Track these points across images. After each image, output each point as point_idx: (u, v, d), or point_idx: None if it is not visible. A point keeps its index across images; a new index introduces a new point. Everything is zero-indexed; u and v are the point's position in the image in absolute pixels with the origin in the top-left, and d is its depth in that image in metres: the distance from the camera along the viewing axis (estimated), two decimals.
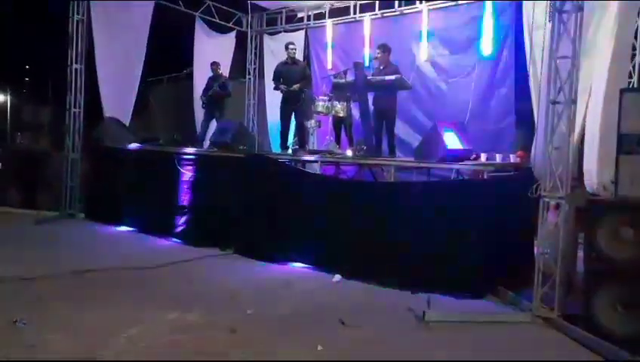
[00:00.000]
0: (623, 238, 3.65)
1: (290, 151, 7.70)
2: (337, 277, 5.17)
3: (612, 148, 3.93)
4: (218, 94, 9.13)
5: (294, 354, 3.39)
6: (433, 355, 3.47)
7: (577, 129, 4.31)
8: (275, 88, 8.02)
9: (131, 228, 7.28)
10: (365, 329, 3.86)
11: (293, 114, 7.94)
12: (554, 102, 4.12)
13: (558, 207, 4.13)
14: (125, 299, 4.34)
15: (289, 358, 3.32)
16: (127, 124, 8.92)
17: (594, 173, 4.29)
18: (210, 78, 9.36)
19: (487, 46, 7.70)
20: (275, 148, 9.45)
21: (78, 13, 8.38)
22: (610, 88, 4.21)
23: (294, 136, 8.27)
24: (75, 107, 8.46)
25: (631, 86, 6.29)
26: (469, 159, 5.69)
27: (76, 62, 8.43)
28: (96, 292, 4.51)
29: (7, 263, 5.19)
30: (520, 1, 5.77)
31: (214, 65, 9.27)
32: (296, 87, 7.39)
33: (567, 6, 4.06)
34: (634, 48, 6.52)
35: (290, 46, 7.83)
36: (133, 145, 8.04)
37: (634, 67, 6.68)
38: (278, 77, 7.78)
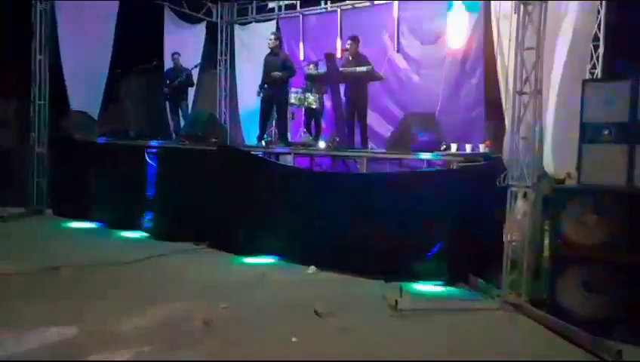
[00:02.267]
0: (587, 224, 3.77)
1: (263, 143, 7.66)
2: (312, 268, 5.20)
3: (570, 137, 4.06)
4: (183, 84, 9.00)
5: (269, 345, 3.40)
6: (406, 342, 3.53)
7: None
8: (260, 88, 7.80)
9: (102, 224, 7.14)
10: (339, 318, 3.90)
11: (274, 106, 7.80)
12: (520, 93, 4.21)
13: (525, 195, 4.24)
14: (97, 295, 4.28)
15: (264, 349, 3.33)
16: (96, 117, 8.72)
17: (550, 161, 4.42)
18: (169, 70, 9.23)
19: (454, 39, 7.78)
20: (251, 139, 9.39)
21: (41, 3, 8.11)
22: (567, 78, 4.33)
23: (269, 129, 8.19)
24: (39, 99, 8.21)
25: (595, 76, 6.48)
26: (439, 150, 5.78)
27: (40, 54, 8.17)
28: (66, 288, 4.43)
29: None
30: None
31: (175, 56, 9.14)
32: (276, 74, 7.28)
33: None
34: (597, 39, 6.72)
35: (270, 36, 7.75)
36: (102, 139, 7.86)
37: (598, 58, 6.89)
38: (265, 69, 7.63)
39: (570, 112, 4.12)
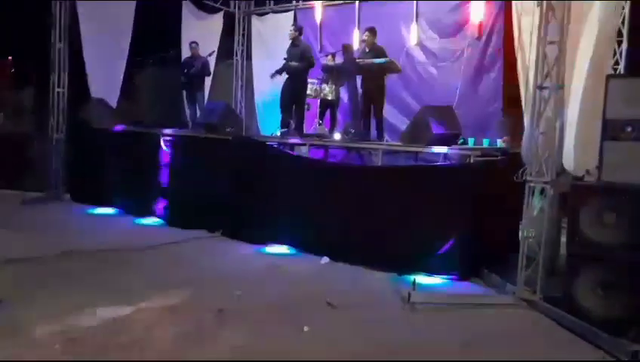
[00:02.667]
0: (606, 223, 3.71)
1: (278, 133, 7.65)
2: (325, 259, 5.21)
3: (592, 133, 3.98)
4: (200, 74, 9.02)
5: (281, 334, 3.42)
6: (418, 335, 3.53)
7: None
8: (274, 76, 7.76)
9: (118, 210, 7.23)
10: (352, 310, 3.90)
11: (292, 95, 7.75)
12: (541, 88, 4.15)
13: (543, 191, 4.19)
14: (112, 280, 4.33)
15: (276, 338, 3.35)
16: (115, 106, 8.80)
17: (571, 157, 4.34)
18: (187, 59, 9.25)
19: (473, 33, 7.69)
20: (266, 129, 9.39)
21: None
22: (593, 74, 4.25)
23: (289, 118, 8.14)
24: (59, 87, 8.30)
25: (618, 72, 6.35)
26: (456, 143, 5.72)
27: (59, 42, 8.25)
28: (82, 273, 4.49)
29: None
30: None
31: (193, 45, 9.16)
32: (293, 64, 7.25)
33: None
34: (620, 35, 6.58)
35: (290, 28, 7.72)
36: (119, 127, 7.93)
37: (621, 54, 6.75)
38: (285, 63, 7.63)
39: (594, 108, 4.04)
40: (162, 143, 6.93)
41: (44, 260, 4.77)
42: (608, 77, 3.94)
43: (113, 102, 8.84)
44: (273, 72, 7.62)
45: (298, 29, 7.80)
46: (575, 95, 4.37)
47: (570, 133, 4.36)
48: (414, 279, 4.33)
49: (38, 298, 3.82)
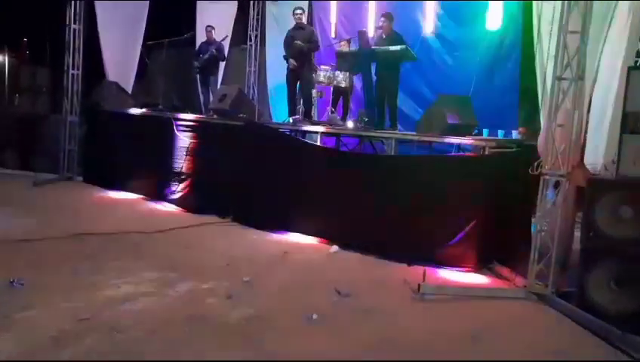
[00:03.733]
0: (622, 217, 3.65)
1: (290, 120, 7.61)
2: (335, 247, 5.20)
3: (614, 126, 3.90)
4: (215, 58, 8.98)
5: (289, 321, 3.42)
6: (427, 327, 3.51)
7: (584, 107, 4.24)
8: (285, 58, 7.67)
9: (129, 193, 7.27)
10: (361, 299, 3.89)
11: (299, 81, 7.70)
12: (560, 79, 4.06)
13: (558, 184, 4.12)
14: (123, 263, 4.36)
15: (284, 325, 3.35)
16: (129, 89, 8.83)
17: (600, 151, 4.23)
18: (202, 43, 9.21)
19: (493, 19, 7.54)
20: (279, 115, 9.36)
21: None
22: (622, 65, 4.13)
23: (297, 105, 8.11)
24: (73, 69, 8.33)
25: (638, 64, 6.19)
26: (471, 134, 5.64)
27: (74, 23, 8.26)
28: (94, 255, 4.53)
29: (6, 224, 5.20)
30: None
31: (208, 29, 9.11)
32: (298, 43, 7.16)
33: None
34: None
35: (297, 11, 7.62)
36: (133, 110, 7.95)
37: None
38: (287, 43, 7.53)
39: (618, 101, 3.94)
40: (175, 128, 6.93)
41: (57, 241, 4.81)
42: (629, 69, 3.84)
43: (128, 85, 8.86)
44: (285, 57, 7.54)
45: (304, 12, 7.69)
46: (603, 87, 4.24)
47: (599, 126, 4.25)
48: (425, 270, 4.29)
49: (51, 277, 3.85)
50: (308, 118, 7.37)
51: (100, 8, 8.38)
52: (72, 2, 8.19)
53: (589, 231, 3.78)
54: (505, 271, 4.61)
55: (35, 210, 6.03)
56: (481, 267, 4.71)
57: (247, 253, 4.99)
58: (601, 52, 4.26)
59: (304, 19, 7.76)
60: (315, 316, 3.46)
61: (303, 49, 7.20)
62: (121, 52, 8.73)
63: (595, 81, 4.34)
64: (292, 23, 8.10)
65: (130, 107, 8.01)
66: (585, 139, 4.42)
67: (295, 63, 7.32)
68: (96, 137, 8.07)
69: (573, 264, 4.24)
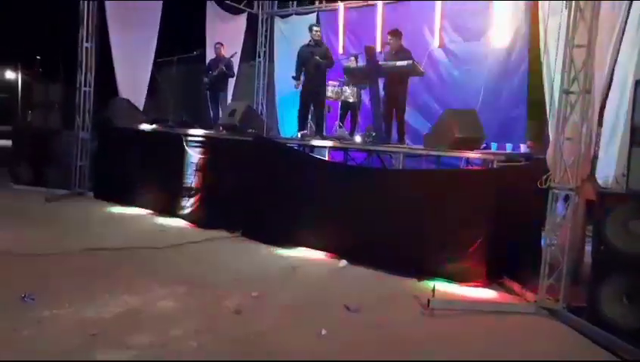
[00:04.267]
0: (632, 231, 3.62)
1: (299, 135, 7.66)
2: (343, 262, 5.19)
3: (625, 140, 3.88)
4: (224, 74, 9.09)
5: (298, 336, 3.41)
6: (437, 342, 3.48)
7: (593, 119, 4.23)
8: (295, 78, 7.62)
9: (139, 208, 7.33)
10: (370, 314, 3.87)
11: (312, 97, 7.71)
12: (567, 92, 4.06)
13: (567, 198, 4.10)
14: (133, 278, 4.38)
15: (293, 341, 3.34)
16: (140, 105, 8.96)
17: (612, 164, 4.21)
18: (212, 60, 9.34)
19: (498, 36, 7.59)
20: (287, 131, 9.42)
21: None
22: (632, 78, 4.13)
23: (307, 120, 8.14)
24: (85, 86, 8.47)
25: None
26: (479, 148, 5.64)
27: (87, 41, 8.42)
28: (104, 270, 4.56)
29: (18, 240, 5.26)
30: None
31: (217, 45, 9.23)
32: (317, 58, 7.21)
33: None
34: None
35: (314, 28, 7.70)
36: (143, 126, 8.05)
37: None
38: (304, 58, 7.58)
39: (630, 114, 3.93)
40: (185, 143, 7.00)
41: (68, 256, 4.86)
42: (637, 82, 3.84)
43: (139, 101, 8.99)
44: (294, 77, 7.60)
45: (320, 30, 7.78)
46: (616, 100, 4.24)
47: (611, 139, 4.24)
48: (434, 284, 4.27)
49: (62, 292, 3.88)
50: (319, 133, 7.40)
51: (112, 27, 8.54)
52: (85, 21, 8.36)
53: (600, 245, 3.76)
54: (515, 285, 4.57)
55: (46, 226, 6.09)
56: (490, 282, 4.67)
57: (256, 267, 5.00)
58: (613, 63, 4.26)
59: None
60: (324, 331, 3.45)
61: (321, 65, 7.27)
62: (133, 69, 8.88)
63: (604, 93, 4.34)
64: (300, 39, 8.20)
65: (140, 123, 8.11)
66: (596, 152, 4.41)
67: (300, 84, 7.39)
68: (107, 153, 8.16)
69: (584, 278, 4.21)
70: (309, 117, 7.77)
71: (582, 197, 4.13)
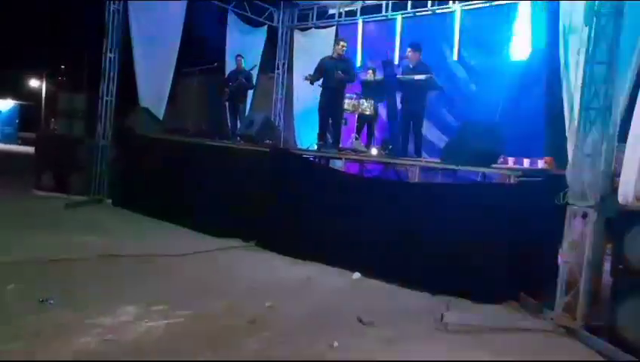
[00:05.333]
0: None
1: (315, 147, 7.70)
2: (357, 275, 5.18)
3: None
4: (244, 86, 9.21)
5: (310, 347, 3.41)
6: (450, 357, 3.44)
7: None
8: (307, 79, 7.59)
9: (157, 216, 7.40)
10: (383, 328, 3.85)
11: (331, 107, 7.73)
12: (587, 108, 4.03)
13: (585, 215, 4.04)
14: (148, 285, 4.43)
15: (305, 352, 3.34)
16: (161, 115, 9.11)
17: (632, 181, 4.14)
18: (232, 72, 9.47)
19: (517, 50, 7.57)
20: (303, 142, 9.47)
21: (114, 3, 8.56)
22: None
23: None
24: (107, 95, 8.65)
25: None
26: (496, 162, 5.60)
27: (111, 52, 8.61)
28: (120, 277, 4.62)
29: (37, 245, 5.36)
30: (556, 0, 5.64)
31: (238, 58, 9.36)
32: (339, 73, 7.25)
33: (606, 8, 3.95)
34: None
35: (342, 43, 7.74)
36: (163, 135, 8.17)
37: None
38: (320, 70, 7.54)
39: None
40: (203, 153, 7.08)
41: (84, 262, 4.93)
42: None
43: (160, 111, 9.14)
44: (309, 77, 7.56)
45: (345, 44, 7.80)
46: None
47: (633, 156, 4.16)
48: (449, 300, 4.23)
49: (77, 298, 3.94)
50: (336, 146, 7.42)
51: (136, 38, 8.73)
52: (109, 32, 8.56)
53: (619, 263, 3.69)
54: (531, 303, 4.50)
55: (64, 231, 6.19)
56: (507, 298, 4.60)
57: (270, 277, 5.01)
58: (635, 78, 4.20)
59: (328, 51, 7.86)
60: (336, 344, 3.44)
61: (343, 80, 7.29)
62: (155, 80, 9.05)
63: (624, 109, 4.28)
64: (319, 52, 8.27)
65: (160, 133, 8.24)
66: (617, 169, 4.33)
67: (311, 79, 7.40)
68: (125, 161, 8.30)
69: (603, 297, 4.13)
70: (327, 129, 7.79)
71: (601, 214, 4.06)
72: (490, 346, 3.69)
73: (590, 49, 4.02)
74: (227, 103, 9.50)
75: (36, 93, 29.37)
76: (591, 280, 4.05)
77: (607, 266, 4.13)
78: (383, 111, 8.27)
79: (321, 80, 7.41)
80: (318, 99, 7.55)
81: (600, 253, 4.29)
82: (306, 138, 9.39)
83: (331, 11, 10.25)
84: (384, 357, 3.38)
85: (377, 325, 3.88)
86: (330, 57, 7.57)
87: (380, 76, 7.88)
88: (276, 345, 3.40)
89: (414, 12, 8.96)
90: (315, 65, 7.60)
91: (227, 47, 10.43)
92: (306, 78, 7.52)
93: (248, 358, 3.19)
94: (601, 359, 3.56)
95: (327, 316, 4.05)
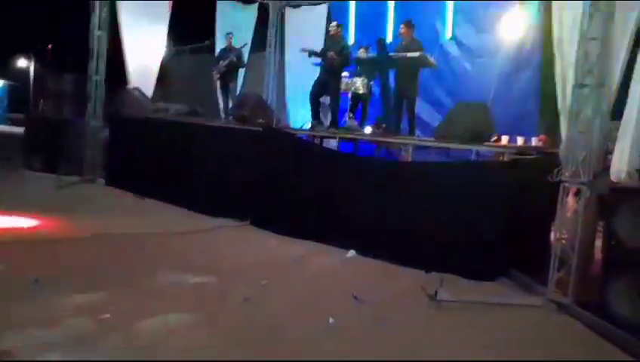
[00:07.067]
0: None
1: (309, 125, 7.65)
2: (351, 252, 5.20)
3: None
4: (234, 65, 9.08)
5: (306, 324, 3.43)
6: (441, 334, 3.49)
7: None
8: (306, 51, 7.53)
9: (150, 196, 7.36)
10: (377, 305, 3.88)
11: (325, 89, 7.65)
12: (581, 86, 4.02)
13: (578, 192, 4.07)
14: (141, 263, 4.43)
15: (301, 329, 3.36)
16: (150, 95, 8.99)
17: (625, 159, 4.15)
18: (223, 50, 9.33)
19: (511, 28, 7.50)
20: (296, 122, 9.40)
21: None
22: None
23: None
24: (96, 74, 8.51)
25: None
26: (489, 141, 5.61)
27: (98, 30, 8.44)
28: (112, 256, 4.61)
29: (29, 225, 5.33)
30: None
31: (229, 35, 9.21)
32: (332, 54, 7.15)
33: None
34: None
35: (332, 24, 7.61)
36: (153, 115, 8.08)
37: None
38: (322, 50, 7.42)
39: None
40: (194, 132, 7.02)
41: (76, 241, 4.91)
42: None
43: (149, 90, 9.02)
44: (308, 49, 7.47)
45: (340, 25, 7.67)
46: (633, 96, 4.16)
47: (626, 133, 4.17)
48: (442, 277, 4.27)
49: (70, 276, 3.93)
50: (334, 127, 7.34)
51: (124, 15, 8.56)
52: (97, 9, 8.38)
53: (611, 240, 3.73)
54: (524, 279, 4.55)
55: (56, 211, 6.13)
56: (500, 275, 4.65)
57: (264, 256, 5.02)
58: (628, 56, 4.18)
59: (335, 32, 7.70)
60: (331, 320, 3.47)
61: (334, 61, 7.18)
62: (143, 58, 8.90)
63: (618, 87, 4.27)
64: (311, 30, 8.17)
65: (150, 112, 8.15)
66: (610, 147, 4.34)
67: (308, 51, 7.31)
68: (117, 141, 8.22)
69: (594, 274, 4.18)
70: (319, 108, 7.72)
71: (593, 191, 4.09)
72: (483, 322, 3.74)
73: (585, 25, 3.99)
74: (218, 82, 9.39)
75: (24, 73, 28.86)
76: (583, 257, 4.10)
77: (598, 243, 4.17)
78: (376, 90, 8.21)
79: (315, 58, 7.34)
80: (312, 79, 7.48)
81: (592, 229, 4.34)
82: (299, 117, 9.32)
83: None
84: (376, 333, 3.41)
85: (371, 303, 3.91)
86: (329, 38, 7.46)
87: (372, 53, 7.79)
88: (271, 323, 3.41)
89: None
90: (307, 44, 7.51)
91: (217, 26, 10.25)
92: (304, 50, 7.43)
93: (243, 336, 3.20)
94: (592, 333, 3.61)
95: (322, 293, 4.08)
